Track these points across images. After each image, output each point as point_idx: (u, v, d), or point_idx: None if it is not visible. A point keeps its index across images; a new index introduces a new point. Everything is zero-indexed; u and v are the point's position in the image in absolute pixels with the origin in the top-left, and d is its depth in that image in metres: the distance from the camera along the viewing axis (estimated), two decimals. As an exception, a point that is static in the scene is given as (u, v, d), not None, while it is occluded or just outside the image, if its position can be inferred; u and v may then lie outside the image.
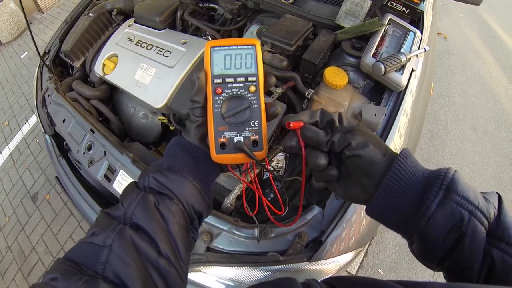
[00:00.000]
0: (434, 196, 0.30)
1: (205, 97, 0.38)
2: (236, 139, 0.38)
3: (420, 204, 0.31)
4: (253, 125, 0.38)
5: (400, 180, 0.32)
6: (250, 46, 0.39)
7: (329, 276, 0.77)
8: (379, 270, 1.56)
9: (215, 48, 0.39)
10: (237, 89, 0.38)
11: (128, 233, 0.31)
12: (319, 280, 0.31)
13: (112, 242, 0.30)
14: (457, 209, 0.29)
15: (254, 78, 0.39)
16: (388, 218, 0.34)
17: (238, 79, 0.38)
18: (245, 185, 0.52)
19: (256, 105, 0.38)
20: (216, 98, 0.38)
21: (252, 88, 0.38)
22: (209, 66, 0.38)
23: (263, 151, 0.38)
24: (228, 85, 0.38)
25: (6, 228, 1.98)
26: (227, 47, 0.39)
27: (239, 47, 0.39)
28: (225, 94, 0.38)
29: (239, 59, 0.39)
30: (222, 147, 0.37)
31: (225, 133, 0.38)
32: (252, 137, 0.38)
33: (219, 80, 0.38)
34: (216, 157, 0.38)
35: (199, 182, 0.39)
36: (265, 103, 0.39)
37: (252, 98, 0.38)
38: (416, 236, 0.32)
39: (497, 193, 0.33)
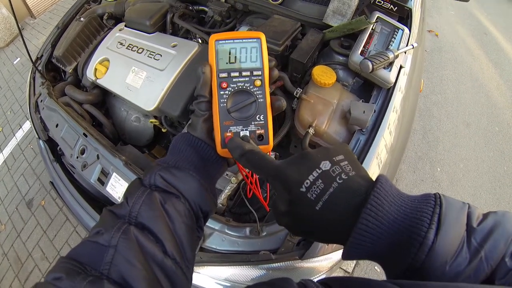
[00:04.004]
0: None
1: (210, 91, 0.38)
2: (242, 133, 0.38)
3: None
4: (258, 119, 0.38)
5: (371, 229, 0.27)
6: (255, 40, 0.38)
7: (323, 274, 0.78)
8: (376, 267, 1.57)
9: (220, 42, 0.38)
10: (243, 83, 0.38)
11: (134, 233, 0.30)
12: (315, 280, 0.30)
13: (117, 243, 0.29)
14: None
15: (259, 72, 0.38)
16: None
17: (244, 73, 0.38)
18: (245, 179, 0.51)
19: (261, 99, 0.38)
20: (222, 92, 0.37)
21: (258, 82, 0.38)
22: (214, 60, 0.38)
23: (269, 145, 0.38)
24: (234, 79, 0.38)
25: (2, 236, 1.96)
26: (232, 41, 0.38)
27: (244, 40, 0.38)
28: (230, 88, 0.38)
29: (244, 52, 0.38)
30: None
31: (231, 127, 0.37)
32: (258, 131, 0.38)
33: (225, 74, 0.38)
34: (222, 151, 0.38)
35: (206, 180, 0.38)
36: (271, 97, 0.39)
37: (257, 92, 0.38)
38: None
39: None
